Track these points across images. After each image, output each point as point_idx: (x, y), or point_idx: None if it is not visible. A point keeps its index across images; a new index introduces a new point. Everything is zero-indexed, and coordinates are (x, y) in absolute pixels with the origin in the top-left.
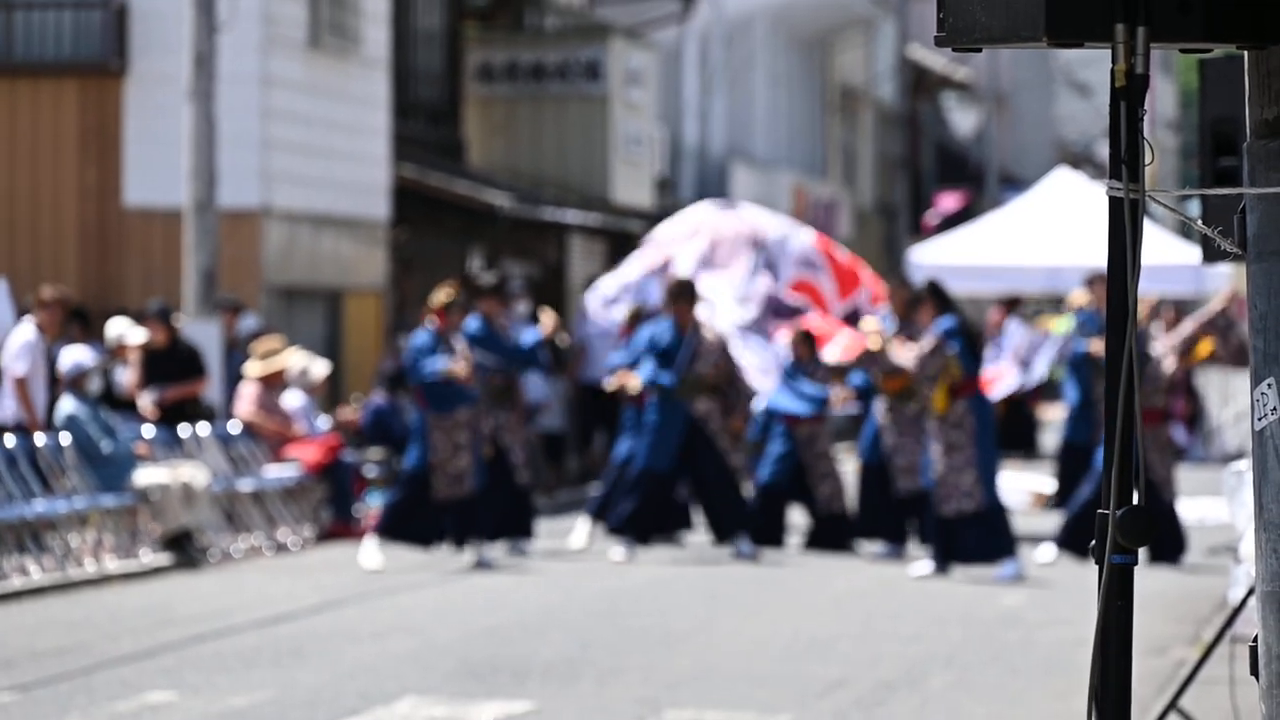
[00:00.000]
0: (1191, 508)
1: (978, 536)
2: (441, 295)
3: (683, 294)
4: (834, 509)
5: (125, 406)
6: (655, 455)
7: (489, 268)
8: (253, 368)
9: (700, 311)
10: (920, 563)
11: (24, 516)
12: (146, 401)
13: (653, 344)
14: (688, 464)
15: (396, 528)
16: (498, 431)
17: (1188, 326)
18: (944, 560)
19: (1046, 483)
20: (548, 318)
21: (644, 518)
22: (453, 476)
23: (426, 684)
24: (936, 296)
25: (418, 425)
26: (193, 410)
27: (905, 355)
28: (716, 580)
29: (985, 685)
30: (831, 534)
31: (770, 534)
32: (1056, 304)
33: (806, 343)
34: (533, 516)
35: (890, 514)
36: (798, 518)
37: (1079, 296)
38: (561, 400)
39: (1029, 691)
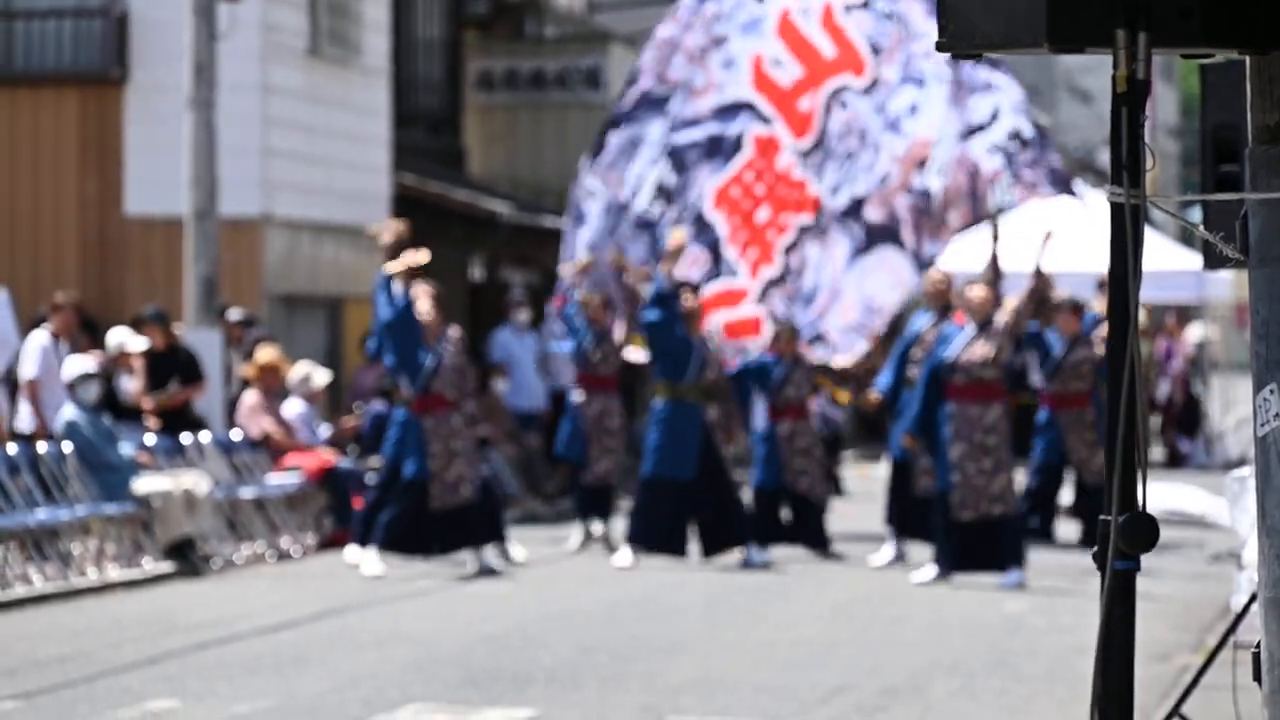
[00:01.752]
0: (1193, 502)
1: (995, 543)
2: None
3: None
4: (811, 500)
5: (129, 415)
6: (673, 464)
7: (489, 275)
8: (248, 369)
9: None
10: (924, 569)
11: (26, 524)
12: (150, 403)
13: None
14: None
15: (399, 540)
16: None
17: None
18: (953, 566)
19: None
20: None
21: (671, 530)
22: (449, 484)
23: (429, 692)
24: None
25: (413, 434)
26: (188, 417)
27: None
28: (718, 587)
29: (988, 692)
30: (805, 529)
31: (767, 535)
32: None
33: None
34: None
35: (916, 513)
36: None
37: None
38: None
39: (1033, 698)
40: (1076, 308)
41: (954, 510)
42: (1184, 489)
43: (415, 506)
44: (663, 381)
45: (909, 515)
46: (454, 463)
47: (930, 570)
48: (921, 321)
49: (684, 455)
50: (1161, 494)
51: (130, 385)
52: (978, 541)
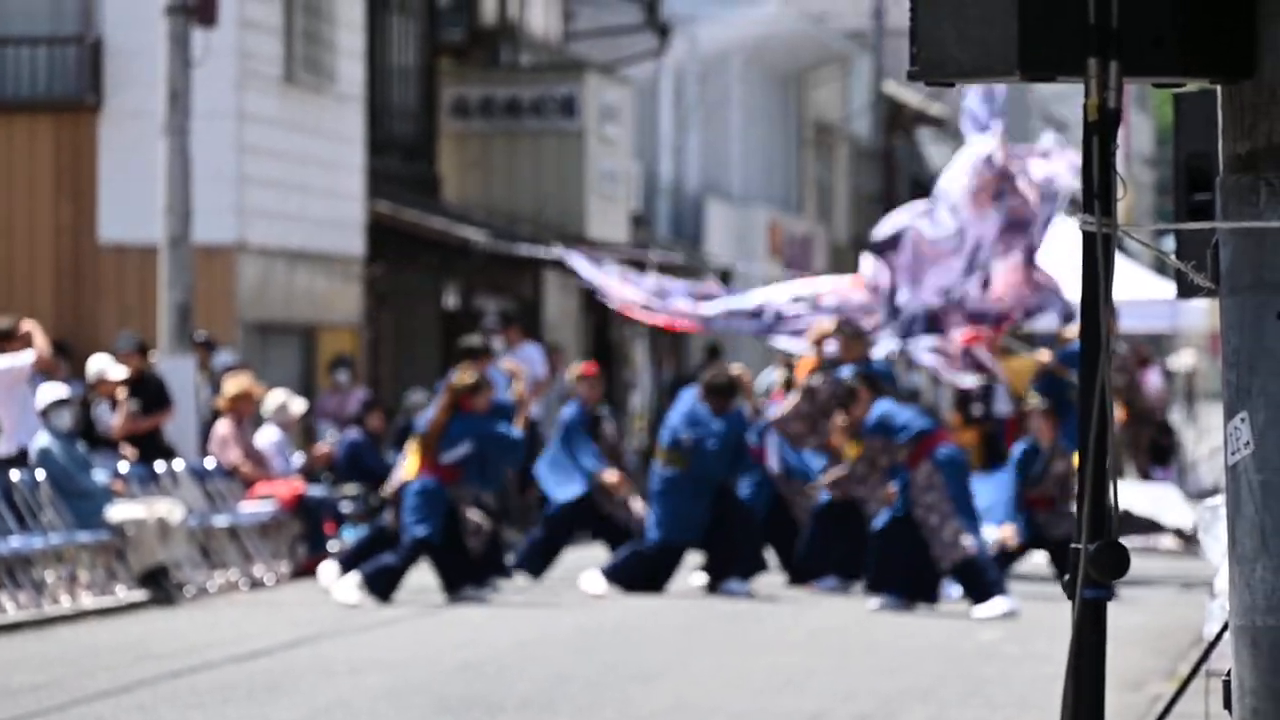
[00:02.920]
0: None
1: (968, 581)
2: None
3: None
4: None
5: (105, 442)
6: (680, 530)
7: (464, 303)
8: (220, 401)
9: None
10: (874, 599)
11: None
12: (127, 427)
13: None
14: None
15: (380, 586)
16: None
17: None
18: (926, 600)
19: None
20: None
21: (654, 578)
22: (473, 531)
23: (402, 719)
24: (869, 384)
25: (436, 498)
26: (159, 444)
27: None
28: (691, 615)
29: (962, 719)
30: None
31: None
32: (1029, 339)
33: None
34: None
35: (845, 549)
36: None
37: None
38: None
39: None
40: (1049, 412)
41: (937, 563)
42: (1152, 489)
43: (409, 566)
44: (669, 450)
45: (831, 553)
46: (471, 512)
47: (879, 599)
48: None
49: (691, 521)
50: (1130, 495)
51: (110, 413)
52: (961, 581)
